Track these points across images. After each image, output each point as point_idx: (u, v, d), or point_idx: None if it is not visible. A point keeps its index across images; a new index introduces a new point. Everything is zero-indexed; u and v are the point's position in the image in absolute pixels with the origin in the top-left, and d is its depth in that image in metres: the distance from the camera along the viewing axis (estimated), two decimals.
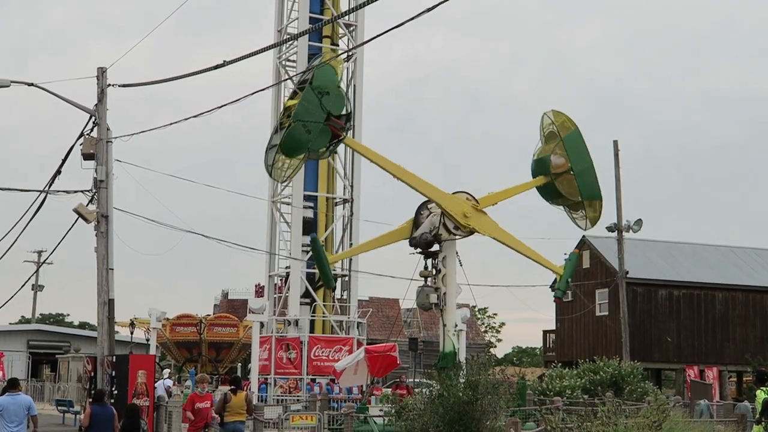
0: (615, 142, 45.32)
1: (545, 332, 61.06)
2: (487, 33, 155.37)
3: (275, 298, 41.41)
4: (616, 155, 45.07)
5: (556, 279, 29.57)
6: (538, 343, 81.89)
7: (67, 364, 54.43)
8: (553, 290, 30.08)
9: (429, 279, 27.79)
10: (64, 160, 23.08)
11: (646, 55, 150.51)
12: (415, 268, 27.97)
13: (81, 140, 22.85)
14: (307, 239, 39.27)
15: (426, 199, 28.10)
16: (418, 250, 27.86)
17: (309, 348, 38.19)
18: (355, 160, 41.01)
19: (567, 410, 27.46)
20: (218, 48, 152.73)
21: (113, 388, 22.16)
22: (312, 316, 39.49)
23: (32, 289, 78.08)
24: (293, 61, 41.05)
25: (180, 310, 56.62)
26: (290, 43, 40.05)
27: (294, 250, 39.26)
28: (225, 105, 20.94)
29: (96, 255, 22.68)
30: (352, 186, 40.92)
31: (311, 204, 39.94)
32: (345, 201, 41.28)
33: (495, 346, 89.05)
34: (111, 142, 22.90)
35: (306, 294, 39.23)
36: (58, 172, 23.18)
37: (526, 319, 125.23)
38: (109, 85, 22.90)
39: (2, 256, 24.94)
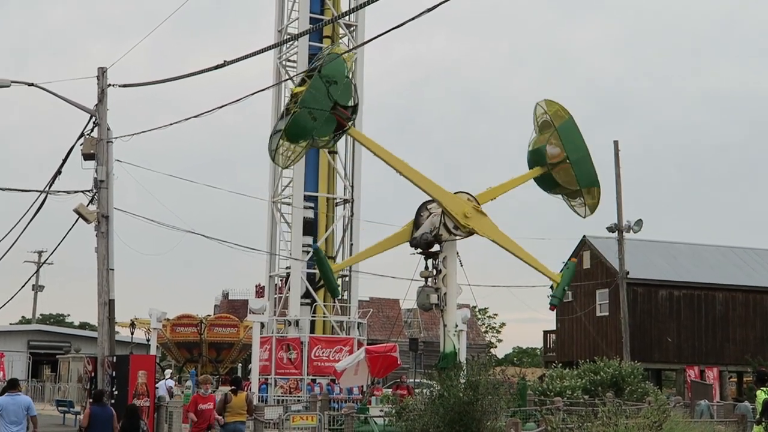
0: (615, 143, 45.34)
1: (546, 332, 61.05)
2: (487, 33, 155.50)
3: (276, 298, 41.41)
4: (617, 155, 45.06)
5: (552, 285, 29.50)
6: (538, 343, 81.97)
7: (67, 365, 54.42)
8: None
9: (429, 279, 27.81)
10: (64, 161, 23.10)
11: (646, 55, 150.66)
12: (415, 268, 28.01)
13: (81, 140, 22.86)
14: (308, 239, 39.46)
15: (426, 200, 28.13)
16: (419, 250, 27.88)
17: (309, 348, 38.20)
18: (356, 161, 41.03)
19: (567, 410, 27.46)
20: (218, 48, 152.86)
21: (114, 389, 22.15)
22: (312, 316, 39.49)
23: (32, 290, 78.10)
24: (293, 62, 41.05)
25: (180, 310, 56.74)
26: (290, 43, 40.04)
27: (294, 251, 39.26)
28: (225, 105, 20.94)
29: (96, 255, 22.68)
30: (352, 186, 40.93)
31: (311, 204, 39.94)
32: (345, 201, 41.28)
33: (495, 347, 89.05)
34: (111, 142, 22.90)
35: (306, 294, 39.24)
36: (59, 172, 23.18)
37: (526, 319, 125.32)
38: (110, 85, 22.90)
39: (3, 257, 24.95)
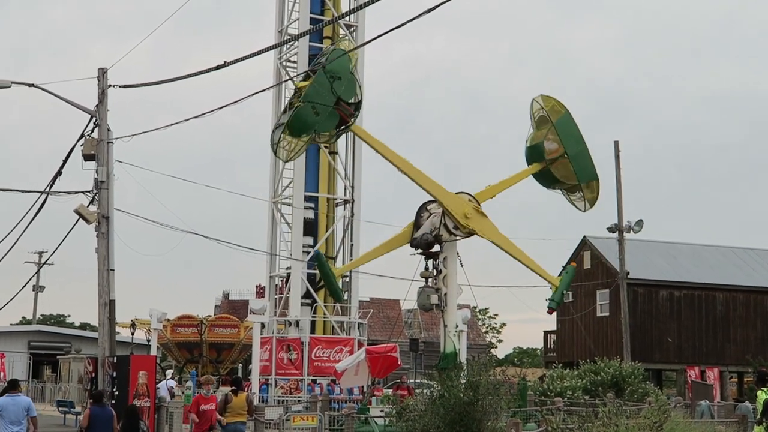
0: (616, 143, 45.30)
1: (546, 333, 61.06)
2: (487, 33, 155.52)
3: (276, 298, 41.40)
4: (617, 156, 45.03)
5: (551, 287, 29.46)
6: (539, 343, 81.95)
7: (68, 365, 54.40)
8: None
9: (430, 280, 27.82)
10: (65, 161, 23.11)
11: (646, 55, 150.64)
12: (415, 269, 28.01)
13: (82, 141, 22.87)
14: (308, 240, 39.46)
15: (426, 200, 28.15)
16: (419, 251, 27.88)
17: (310, 349, 38.19)
18: (356, 161, 41.03)
19: (568, 411, 27.46)
20: (218, 48, 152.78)
21: (114, 389, 22.16)
22: (313, 316, 39.48)
23: (33, 290, 78.15)
24: (294, 62, 41.04)
25: (181, 310, 56.87)
26: (291, 43, 40.03)
27: (295, 251, 39.24)
28: (226, 106, 20.93)
29: (97, 256, 22.69)
30: (353, 187, 40.92)
31: (312, 205, 39.94)
32: (346, 202, 41.26)
33: (496, 347, 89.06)
34: (112, 142, 22.92)
35: (307, 295, 39.23)
36: (59, 173, 23.19)
37: (526, 319, 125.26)
38: (110, 86, 22.91)
39: (3, 257, 24.96)
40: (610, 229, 44.89)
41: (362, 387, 32.92)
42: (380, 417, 25.15)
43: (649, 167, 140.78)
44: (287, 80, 39.87)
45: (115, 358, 22.73)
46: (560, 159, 28.96)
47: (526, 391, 31.31)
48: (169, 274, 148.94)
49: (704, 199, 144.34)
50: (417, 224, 27.80)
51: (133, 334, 55.00)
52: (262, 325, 36.52)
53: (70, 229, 23.32)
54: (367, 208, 52.69)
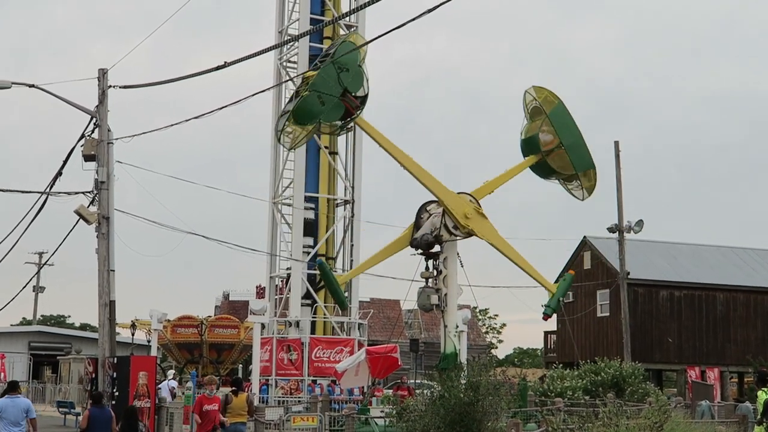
0: (616, 143, 45.27)
1: (546, 333, 61.04)
2: (488, 33, 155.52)
3: (276, 299, 41.41)
4: (617, 156, 45.01)
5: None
6: (539, 344, 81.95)
7: (68, 366, 54.42)
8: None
9: (430, 280, 27.81)
10: (65, 162, 23.11)
11: (646, 55, 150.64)
12: (416, 269, 28.00)
13: (82, 141, 22.87)
14: (309, 240, 39.47)
15: (425, 201, 28.15)
16: (419, 251, 27.87)
17: (310, 349, 38.18)
18: (356, 161, 41.03)
19: (568, 411, 27.44)
20: (218, 48, 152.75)
21: (114, 390, 22.15)
22: (313, 317, 39.48)
23: (33, 291, 78.14)
24: (294, 62, 41.05)
25: (181, 311, 56.87)
26: (291, 44, 40.02)
27: (295, 252, 39.24)
28: (226, 106, 20.93)
29: (97, 256, 22.68)
30: (353, 187, 40.93)
31: (312, 205, 39.94)
32: (346, 202, 41.26)
33: (496, 347, 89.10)
34: (112, 143, 22.92)
35: (307, 295, 39.23)
36: (59, 173, 23.18)
37: (527, 320, 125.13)
38: (110, 86, 22.91)
39: (3, 258, 24.96)
40: (610, 229, 44.87)
41: (362, 387, 32.91)
42: (380, 417, 25.13)
43: (649, 167, 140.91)
44: (287, 80, 39.88)
45: (116, 358, 22.72)
46: (556, 150, 28.94)
47: (526, 391, 31.30)
48: (169, 275, 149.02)
49: (704, 199, 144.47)
50: (417, 225, 27.79)
51: (133, 334, 54.98)
52: (263, 326, 36.53)
53: (71, 230, 23.34)
54: (367, 208, 52.68)
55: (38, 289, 78.67)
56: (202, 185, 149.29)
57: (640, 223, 44.48)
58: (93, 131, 22.89)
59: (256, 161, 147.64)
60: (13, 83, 22.95)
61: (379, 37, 15.90)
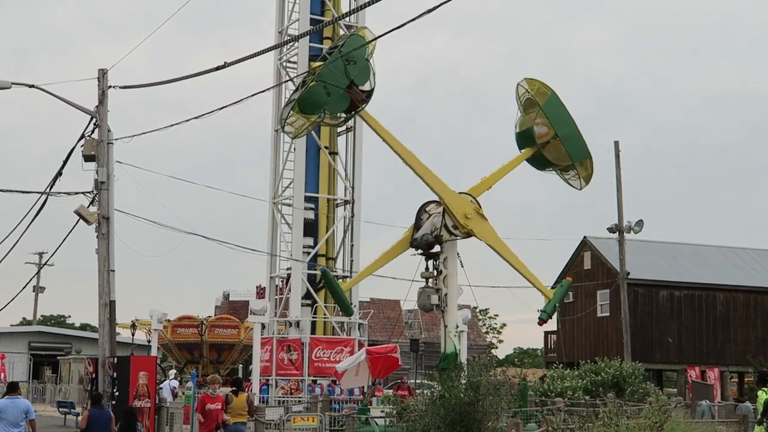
0: (616, 143, 45.25)
1: (546, 333, 61.03)
2: (487, 33, 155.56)
3: (276, 299, 41.40)
4: (617, 156, 44.98)
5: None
6: (539, 344, 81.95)
7: (68, 366, 54.44)
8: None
9: (430, 280, 27.81)
10: (65, 162, 23.10)
11: (646, 55, 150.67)
12: (416, 269, 28.01)
13: (82, 142, 22.87)
14: (309, 240, 39.47)
15: (425, 201, 28.16)
16: (420, 251, 27.88)
17: (310, 349, 38.18)
18: (356, 162, 41.03)
19: (568, 411, 27.44)
20: (218, 48, 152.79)
21: (114, 390, 22.15)
22: (313, 317, 39.48)
23: (33, 291, 78.16)
24: (294, 63, 41.06)
25: (181, 311, 56.83)
26: (291, 44, 40.02)
27: (295, 252, 39.24)
28: (226, 106, 20.92)
29: (97, 256, 22.68)
30: (353, 187, 40.93)
31: (312, 205, 39.94)
32: (346, 202, 41.26)
33: (496, 347, 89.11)
34: (112, 143, 22.91)
35: (307, 295, 39.23)
36: (59, 173, 23.18)
37: (527, 320, 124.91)
38: (110, 86, 22.91)
39: (3, 258, 24.95)
40: (611, 230, 44.85)
41: (363, 387, 32.91)
42: (381, 417, 25.13)
43: (649, 167, 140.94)
44: (287, 81, 39.87)
45: (116, 358, 22.71)
46: (552, 141, 28.94)
47: (526, 391, 31.28)
48: (169, 275, 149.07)
49: (704, 199, 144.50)
50: (417, 226, 27.80)
51: (133, 334, 55.00)
52: (263, 326, 36.53)
53: (71, 230, 23.33)
54: (367, 208, 52.68)
55: (38, 290, 78.70)
56: (202, 185, 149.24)
57: (640, 223, 44.47)
58: (93, 131, 22.89)
59: (256, 161, 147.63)
60: (13, 83, 22.95)
61: (379, 37, 15.93)
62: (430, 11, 14.01)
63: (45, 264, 72.15)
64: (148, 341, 47.89)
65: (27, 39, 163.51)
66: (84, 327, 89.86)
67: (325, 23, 34.31)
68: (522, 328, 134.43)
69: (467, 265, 27.79)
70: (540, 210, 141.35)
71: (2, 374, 55.29)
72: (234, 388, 20.90)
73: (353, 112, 25.97)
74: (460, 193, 27.70)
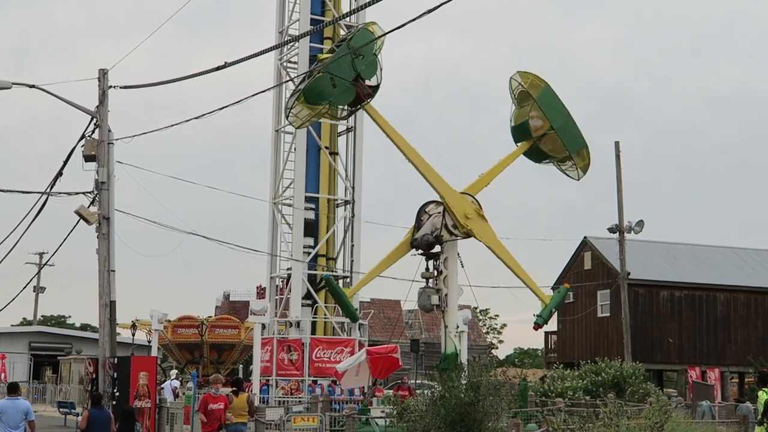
0: (616, 143, 45.22)
1: (547, 333, 60.99)
2: (488, 33, 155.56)
3: (277, 299, 41.41)
4: (617, 156, 44.95)
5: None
6: (539, 344, 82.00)
7: (68, 366, 54.42)
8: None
9: (430, 280, 27.82)
10: (65, 162, 23.09)
11: (646, 55, 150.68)
12: (416, 269, 28.03)
13: (82, 142, 22.86)
14: (309, 240, 39.48)
15: (425, 202, 28.16)
16: (420, 251, 27.88)
17: (310, 349, 38.18)
18: (357, 162, 41.04)
19: (569, 411, 27.44)
20: (219, 49, 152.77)
21: (115, 390, 22.14)
22: (313, 317, 39.48)
23: (34, 291, 78.17)
24: (294, 63, 41.07)
25: (181, 311, 56.78)
26: (291, 44, 40.03)
27: (295, 252, 39.25)
28: (226, 106, 20.88)
29: (97, 257, 22.67)
30: (353, 187, 40.93)
31: (312, 205, 39.94)
32: (346, 202, 41.27)
33: (497, 348, 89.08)
34: (112, 143, 22.90)
35: (307, 295, 39.23)
36: (60, 173, 23.17)
37: (527, 320, 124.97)
38: (111, 86, 22.90)
39: (4, 259, 24.95)
40: (611, 230, 44.83)
41: (363, 388, 32.92)
42: (381, 418, 25.13)
43: (649, 167, 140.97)
44: (288, 81, 39.87)
45: (116, 359, 22.70)
46: (548, 134, 28.95)
47: (527, 391, 31.28)
48: (169, 275, 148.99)
49: (704, 199, 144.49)
50: (417, 226, 27.82)
51: (133, 335, 55.02)
52: (263, 326, 36.53)
53: (71, 230, 23.32)
54: (367, 208, 52.74)
55: (39, 290, 78.69)
56: (202, 185, 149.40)
57: (640, 223, 44.45)
58: (93, 132, 22.88)
59: (257, 161, 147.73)
60: (13, 83, 22.94)
61: (379, 37, 15.91)
62: (430, 11, 14.01)
63: (45, 264, 72.16)
64: (149, 341, 47.91)
65: (27, 39, 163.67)
66: (84, 327, 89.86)
67: (326, 23, 34.33)
68: (522, 328, 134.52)
69: (467, 265, 27.84)
70: (540, 210, 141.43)
71: (2, 374, 55.29)
72: (234, 389, 20.89)
73: (358, 106, 26.02)
74: (461, 192, 27.70)
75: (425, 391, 22.35)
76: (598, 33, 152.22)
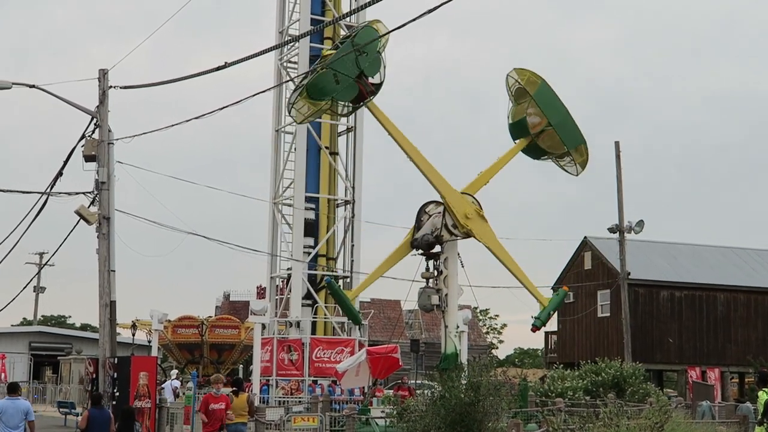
0: (616, 144, 45.21)
1: (547, 333, 60.96)
2: (488, 33, 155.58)
3: (277, 299, 41.41)
4: (618, 157, 44.93)
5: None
6: (539, 344, 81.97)
7: (68, 366, 54.40)
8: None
9: (430, 280, 27.82)
10: (65, 162, 23.09)
11: (646, 55, 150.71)
12: (416, 269, 28.03)
13: (82, 142, 22.86)
14: (309, 240, 39.49)
15: (425, 202, 28.17)
16: (420, 251, 27.89)
17: (311, 349, 38.19)
18: (357, 162, 41.05)
19: (569, 411, 27.44)
20: (219, 49, 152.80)
21: (115, 390, 22.14)
22: (313, 317, 39.49)
23: (34, 291, 78.16)
24: (294, 63, 41.08)
25: (181, 311, 56.73)
26: (291, 44, 40.03)
27: (295, 252, 39.25)
28: (226, 106, 20.91)
29: (97, 257, 22.67)
30: (353, 187, 40.94)
31: (312, 205, 39.95)
32: (346, 202, 41.27)
33: (497, 348, 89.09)
34: (112, 143, 22.90)
35: (307, 295, 39.24)
36: (60, 174, 23.17)
37: (527, 320, 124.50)
38: (111, 87, 22.90)
39: (4, 259, 24.94)
40: (611, 230, 44.83)
41: (363, 388, 32.92)
42: (381, 418, 25.13)
43: (649, 167, 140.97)
44: (288, 81, 39.88)
45: (116, 359, 22.70)
46: (546, 130, 28.96)
47: (527, 391, 31.28)
48: (169, 275, 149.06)
49: (704, 199, 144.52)
50: (418, 227, 27.83)
51: (133, 335, 55.01)
52: (263, 326, 36.53)
53: (71, 230, 23.31)
54: (367, 208, 52.74)
55: (39, 290, 78.69)
56: (202, 185, 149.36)
57: (640, 223, 44.44)
58: (93, 132, 22.88)
59: (257, 161, 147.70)
60: (13, 83, 22.94)
61: (379, 37, 15.90)
62: (430, 11, 14.01)
63: (45, 264, 72.16)
64: (149, 341, 47.91)
65: (27, 39, 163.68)
66: (84, 327, 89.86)
67: (326, 23, 34.33)
68: (522, 328, 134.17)
69: (467, 265, 27.84)
70: (540, 210, 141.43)
71: (3, 374, 55.29)
72: (234, 389, 20.89)
73: (361, 103, 26.04)
74: (462, 192, 27.71)
75: (425, 391, 22.35)
76: (598, 33, 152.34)
